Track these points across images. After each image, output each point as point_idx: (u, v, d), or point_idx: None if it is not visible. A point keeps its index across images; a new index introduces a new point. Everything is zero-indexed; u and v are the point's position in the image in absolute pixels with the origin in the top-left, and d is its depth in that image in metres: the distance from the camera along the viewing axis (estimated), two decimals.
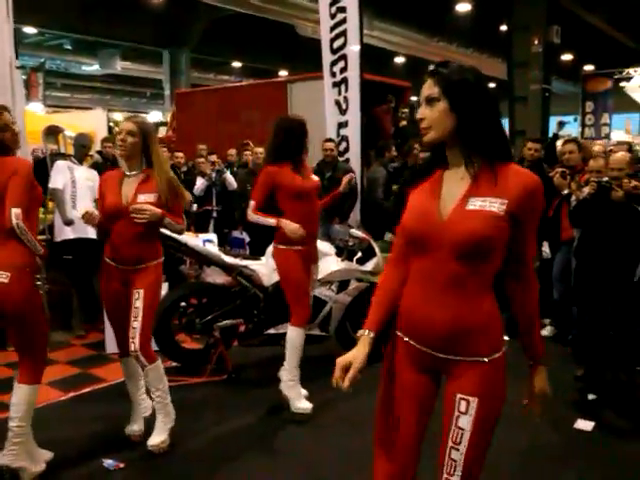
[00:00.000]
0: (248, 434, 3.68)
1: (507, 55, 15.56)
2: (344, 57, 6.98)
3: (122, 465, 3.28)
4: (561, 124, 6.38)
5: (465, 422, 1.78)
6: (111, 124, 14.66)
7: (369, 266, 4.76)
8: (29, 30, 18.57)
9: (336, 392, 1.88)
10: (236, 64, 24.89)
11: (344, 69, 6.99)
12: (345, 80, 6.98)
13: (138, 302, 3.25)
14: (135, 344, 3.26)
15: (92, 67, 23.20)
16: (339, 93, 7.05)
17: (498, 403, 1.84)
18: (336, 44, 7.03)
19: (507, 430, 3.76)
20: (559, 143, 6.08)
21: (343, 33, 6.95)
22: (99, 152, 6.92)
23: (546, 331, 5.67)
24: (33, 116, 10.26)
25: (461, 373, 1.79)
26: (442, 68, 1.77)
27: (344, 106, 7.03)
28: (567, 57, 21.92)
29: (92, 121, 11.21)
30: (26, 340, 3.01)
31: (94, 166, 6.23)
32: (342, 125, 7.10)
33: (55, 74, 23.85)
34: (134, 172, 3.27)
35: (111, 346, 5.03)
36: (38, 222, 3.17)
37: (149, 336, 3.38)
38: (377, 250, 4.68)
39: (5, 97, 6.08)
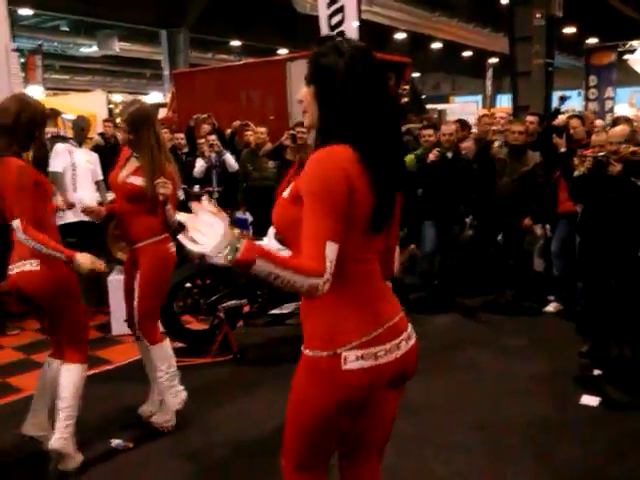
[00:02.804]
0: (253, 414, 3.70)
1: (509, 30, 15.35)
2: (342, 34, 6.88)
3: (131, 445, 3.32)
4: (562, 99, 6.30)
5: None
6: (111, 106, 14.55)
7: None
8: (25, 12, 18.36)
9: None
10: (235, 43, 24.65)
11: None
12: None
13: (136, 282, 3.32)
14: (135, 324, 3.36)
15: (90, 49, 22.98)
16: None
17: (297, 405, 1.71)
18: (334, 20, 6.93)
19: (512, 404, 3.80)
20: (562, 118, 6.03)
21: (341, 9, 6.85)
22: (101, 134, 6.88)
23: (551, 307, 5.67)
24: None
25: None
26: (319, 45, 1.62)
27: None
28: (570, 30, 21.64)
29: (92, 103, 11.15)
30: (61, 323, 3.03)
31: (95, 148, 6.21)
32: None
33: (53, 56, 23.64)
34: (136, 154, 3.31)
35: (117, 328, 5.06)
36: (52, 215, 3.12)
37: (152, 316, 3.41)
38: None
39: (1, 81, 6.06)
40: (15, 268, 2.91)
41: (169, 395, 3.47)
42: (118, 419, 3.59)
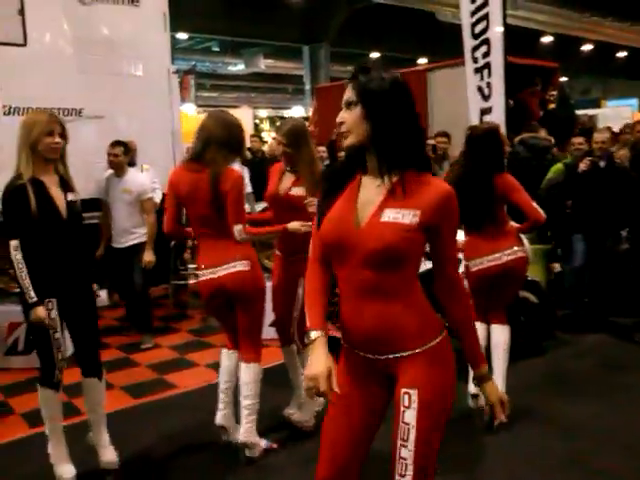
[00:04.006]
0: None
1: None
2: (486, 41, 6.72)
3: (275, 446, 3.47)
4: None
5: (410, 416, 1.79)
6: (256, 121, 15.28)
7: None
8: (181, 36, 19.90)
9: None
10: (374, 55, 24.93)
11: (487, 54, 6.73)
12: (488, 65, 6.73)
13: (300, 289, 3.47)
14: (293, 331, 3.58)
15: (238, 67, 24.38)
16: (481, 79, 6.80)
17: (439, 391, 1.81)
18: (478, 28, 6.78)
19: None
20: None
21: (485, 17, 6.69)
22: (248, 148, 7.26)
23: None
24: (186, 117, 11.02)
25: (402, 369, 1.82)
26: (361, 73, 1.79)
27: (487, 92, 6.79)
28: None
29: (239, 119, 11.79)
30: (252, 322, 3.33)
31: (244, 162, 6.56)
32: (485, 111, 6.85)
33: (204, 75, 25.33)
34: (290, 169, 3.50)
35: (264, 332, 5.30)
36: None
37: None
38: (525, 241, 4.50)
39: (164, 100, 6.63)
40: (222, 270, 3.20)
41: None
42: (264, 420, 3.75)
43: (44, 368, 3.06)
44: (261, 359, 3.39)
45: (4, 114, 5.43)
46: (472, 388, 3.70)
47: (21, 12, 5.70)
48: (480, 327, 3.81)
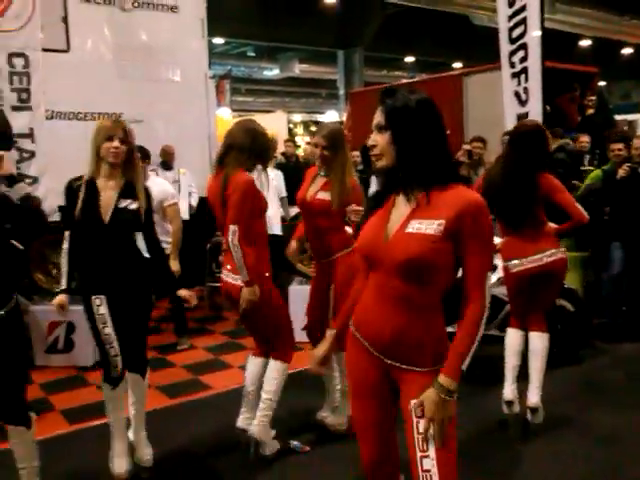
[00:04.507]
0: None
1: None
2: (524, 46, 6.67)
3: (308, 448, 3.50)
4: None
5: (425, 426, 1.81)
6: (290, 125, 15.36)
7: None
8: (217, 41, 20.14)
9: None
10: (409, 59, 24.84)
11: (524, 59, 6.68)
12: (525, 70, 6.67)
13: (330, 293, 3.49)
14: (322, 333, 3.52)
15: (273, 72, 24.56)
16: (519, 83, 6.75)
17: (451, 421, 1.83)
18: (515, 33, 6.73)
19: None
20: None
21: (523, 21, 6.63)
22: (282, 153, 7.32)
23: None
24: (222, 121, 11.15)
25: (409, 381, 1.87)
26: (388, 97, 1.86)
27: (524, 97, 6.72)
28: None
29: (274, 123, 11.90)
30: (266, 326, 3.38)
31: (278, 166, 6.63)
32: (522, 117, 6.78)
33: (240, 80, 25.55)
34: (324, 173, 3.51)
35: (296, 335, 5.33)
36: (264, 230, 3.40)
37: None
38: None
39: (201, 105, 6.74)
40: (231, 280, 3.27)
41: (344, 400, 3.61)
42: (299, 423, 3.79)
43: (104, 364, 3.17)
44: (289, 360, 3.42)
45: (46, 118, 5.59)
46: (507, 395, 3.67)
47: (64, 19, 5.87)
48: (517, 334, 3.78)
